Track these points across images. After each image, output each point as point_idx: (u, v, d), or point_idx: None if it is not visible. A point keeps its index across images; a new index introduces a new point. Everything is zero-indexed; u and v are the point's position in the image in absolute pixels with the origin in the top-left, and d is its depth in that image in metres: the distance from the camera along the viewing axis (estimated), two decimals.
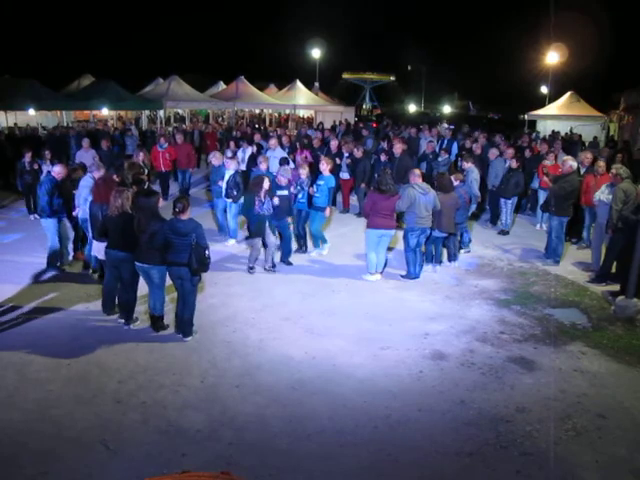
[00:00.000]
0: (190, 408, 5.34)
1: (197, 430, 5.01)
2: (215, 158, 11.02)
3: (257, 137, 16.56)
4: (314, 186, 9.86)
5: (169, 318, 7.12)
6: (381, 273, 8.95)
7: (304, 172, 10.04)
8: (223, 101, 30.25)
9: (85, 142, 14.22)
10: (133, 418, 5.17)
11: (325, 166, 10.05)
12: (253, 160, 13.62)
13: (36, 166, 12.07)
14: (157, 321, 6.96)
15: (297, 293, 8.30)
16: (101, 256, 7.26)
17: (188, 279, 6.52)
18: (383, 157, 12.98)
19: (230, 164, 10.41)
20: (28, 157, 12.09)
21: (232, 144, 15.71)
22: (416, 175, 8.86)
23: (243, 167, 14.60)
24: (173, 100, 27.64)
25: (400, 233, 9.26)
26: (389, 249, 9.33)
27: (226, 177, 10.38)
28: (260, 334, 6.92)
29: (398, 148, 12.90)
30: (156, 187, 16.55)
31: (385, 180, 8.60)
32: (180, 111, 34.83)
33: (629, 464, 4.73)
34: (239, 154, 14.81)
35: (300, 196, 9.99)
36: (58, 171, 8.96)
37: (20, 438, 4.87)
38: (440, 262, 9.57)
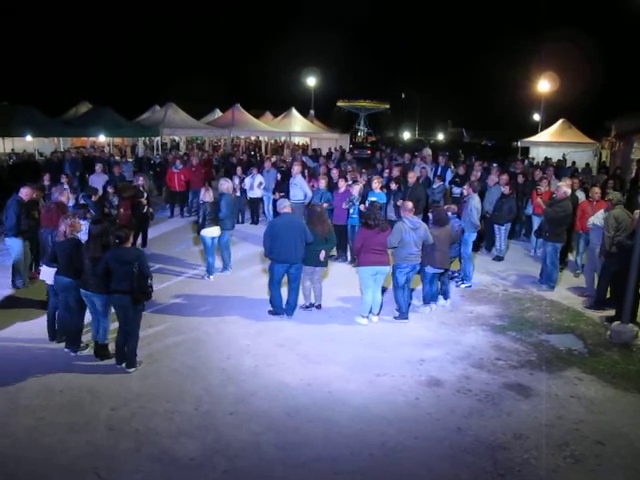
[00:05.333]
0: (184, 435, 5.27)
1: (191, 458, 4.94)
2: (208, 194, 10.10)
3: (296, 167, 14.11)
4: (366, 202, 10.47)
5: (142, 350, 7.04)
6: (378, 315, 8.35)
7: (324, 182, 11.71)
8: (219, 128, 30.50)
9: (98, 167, 14.56)
10: (126, 446, 5.10)
11: (377, 184, 11.21)
12: (280, 186, 13.92)
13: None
14: (100, 349, 6.84)
15: (292, 319, 8.26)
16: (50, 281, 7.16)
17: (131, 307, 6.41)
18: (394, 186, 12.41)
19: (206, 195, 9.96)
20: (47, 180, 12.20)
21: (239, 170, 15.96)
22: (407, 209, 8.32)
23: (256, 193, 14.81)
24: (169, 127, 27.87)
25: None
26: (383, 290, 8.59)
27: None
28: (255, 360, 6.87)
29: (412, 177, 12.46)
30: (162, 209, 16.90)
31: (374, 214, 8.16)
32: (176, 138, 35.10)
33: None
34: (247, 180, 14.95)
35: (352, 211, 10.98)
36: (25, 192, 9.19)
37: (10, 466, 4.80)
38: (436, 300, 8.89)
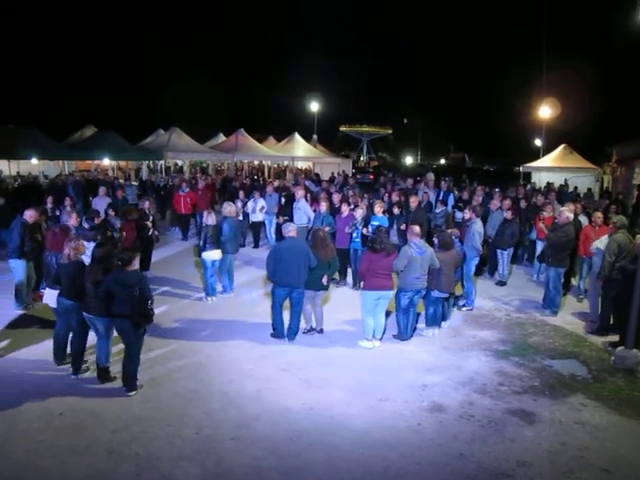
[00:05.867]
0: (185, 460, 5.23)
1: None
2: (210, 217, 10.24)
3: (298, 190, 14.15)
4: (369, 226, 10.59)
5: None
6: (380, 340, 8.28)
7: (325, 206, 11.72)
8: (223, 152, 30.74)
9: (102, 190, 14.66)
10: (126, 469, 5.06)
11: (379, 208, 11.33)
12: (285, 209, 14.01)
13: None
14: (102, 372, 6.82)
15: (294, 343, 8.24)
16: (52, 304, 7.18)
17: (131, 331, 6.40)
18: (396, 210, 12.52)
19: (208, 218, 10.06)
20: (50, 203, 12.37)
21: (242, 193, 16.05)
22: (414, 233, 8.34)
23: (258, 217, 14.89)
24: (173, 151, 28.09)
25: None
26: (386, 313, 8.45)
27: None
28: (257, 385, 6.83)
29: (414, 202, 12.57)
30: (170, 232, 16.99)
31: (380, 238, 8.12)
32: (179, 162, 35.38)
33: None
34: (250, 204, 15.03)
35: (355, 235, 11.06)
36: (30, 215, 9.35)
37: None
38: (439, 324, 8.86)
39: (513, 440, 5.76)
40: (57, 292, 6.98)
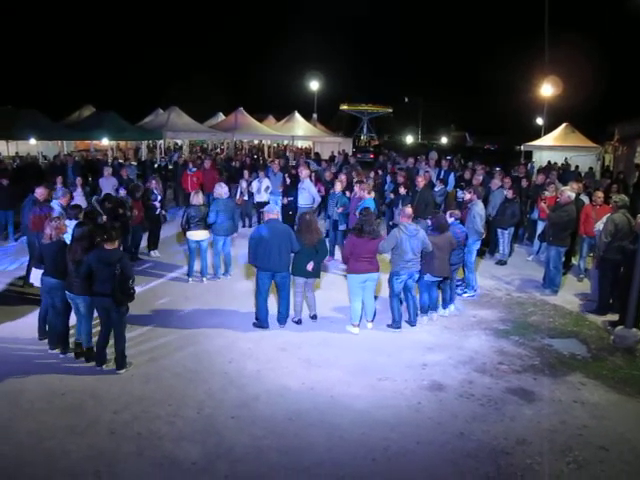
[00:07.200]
0: (185, 440, 5.26)
1: (192, 462, 4.93)
2: (197, 197, 10.12)
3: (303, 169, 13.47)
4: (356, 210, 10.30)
5: (131, 354, 7.03)
6: (372, 321, 8.20)
7: (339, 186, 11.72)
8: (222, 132, 30.54)
9: (107, 170, 14.82)
10: (128, 450, 5.09)
11: (366, 190, 11.03)
12: (289, 191, 13.82)
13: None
14: (84, 351, 6.87)
15: (294, 323, 8.24)
16: (37, 283, 7.21)
17: (114, 310, 6.42)
18: (402, 190, 12.44)
19: (194, 198, 10.02)
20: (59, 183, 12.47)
21: (246, 173, 15.90)
22: (406, 215, 8.16)
23: (263, 197, 14.68)
24: (173, 131, 27.86)
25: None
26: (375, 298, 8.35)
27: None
28: (257, 364, 6.85)
29: (420, 181, 12.40)
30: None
31: (370, 221, 7.90)
32: (179, 141, 35.09)
33: None
34: (255, 184, 14.89)
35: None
36: (40, 192, 9.42)
37: (11, 469, 4.79)
38: (436, 309, 8.67)
39: (513, 419, 5.79)
40: (41, 271, 7.01)
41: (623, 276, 8.24)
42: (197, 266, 10.13)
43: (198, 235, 9.93)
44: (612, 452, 5.26)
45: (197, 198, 10.01)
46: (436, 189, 13.97)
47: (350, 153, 32.87)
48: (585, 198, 11.70)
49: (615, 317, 8.37)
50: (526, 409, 6.00)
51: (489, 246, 12.46)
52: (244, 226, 14.78)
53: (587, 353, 7.52)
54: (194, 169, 16.67)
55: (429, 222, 8.79)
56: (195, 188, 15.88)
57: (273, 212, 8.22)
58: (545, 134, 30.11)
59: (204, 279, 10.12)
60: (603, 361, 7.27)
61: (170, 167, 22.18)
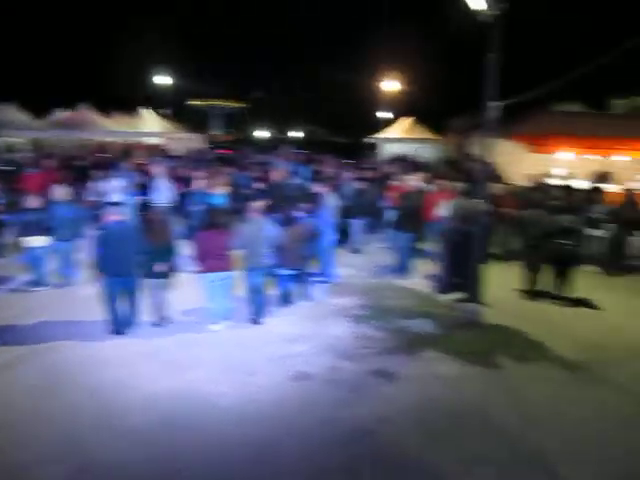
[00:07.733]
0: (46, 462, 4.86)
1: None
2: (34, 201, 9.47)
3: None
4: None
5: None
6: (230, 320, 8.08)
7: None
8: (65, 130, 28.56)
9: None
10: None
11: (218, 185, 11.26)
12: (143, 189, 13.07)
13: None
14: None
15: (152, 327, 7.93)
16: None
17: None
18: (258, 185, 12.49)
19: (31, 202, 9.35)
20: None
21: (96, 174, 14.75)
22: (254, 209, 8.21)
23: (114, 197, 13.68)
24: (8, 129, 25.57)
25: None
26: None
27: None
28: (118, 373, 6.50)
29: (276, 176, 12.53)
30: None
31: (216, 215, 7.93)
32: (19, 140, 32.10)
33: (489, 458, 5.09)
34: (104, 184, 13.84)
35: None
36: None
37: None
38: (291, 302, 8.90)
39: (376, 399, 6.07)
40: None
41: (464, 257, 8.94)
42: (39, 274, 9.40)
43: (35, 241, 9.17)
44: (466, 419, 5.71)
45: (35, 201, 9.24)
46: (290, 182, 14.15)
47: (206, 149, 32.29)
48: (430, 187, 12.53)
49: (461, 295, 9.06)
50: (388, 388, 6.32)
51: (344, 236, 12.89)
52: (93, 229, 13.91)
53: (441, 330, 8.06)
54: (34, 170, 15.30)
55: (281, 216, 8.91)
56: (35, 190, 14.73)
57: (115, 213, 7.79)
58: (387, 127, 31.93)
59: (48, 287, 9.40)
60: (455, 337, 7.82)
61: (11, 169, 20.28)
